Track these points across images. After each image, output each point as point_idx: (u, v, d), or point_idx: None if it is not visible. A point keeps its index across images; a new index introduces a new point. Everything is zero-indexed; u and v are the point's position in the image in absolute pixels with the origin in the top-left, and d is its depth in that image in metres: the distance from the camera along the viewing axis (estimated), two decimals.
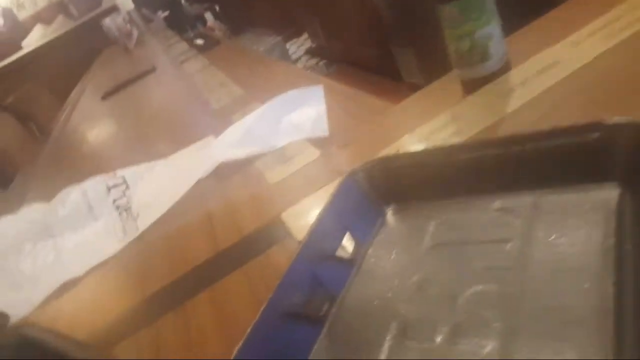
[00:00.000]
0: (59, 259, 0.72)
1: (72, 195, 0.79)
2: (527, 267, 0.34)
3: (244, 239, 0.56)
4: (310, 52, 3.81)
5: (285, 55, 2.62)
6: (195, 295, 0.51)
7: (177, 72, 1.62)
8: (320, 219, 0.42)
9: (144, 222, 0.70)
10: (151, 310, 0.53)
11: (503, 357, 0.30)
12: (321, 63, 3.46)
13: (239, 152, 0.72)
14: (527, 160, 0.38)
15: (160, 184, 0.78)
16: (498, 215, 0.39)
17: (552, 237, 0.35)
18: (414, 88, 0.71)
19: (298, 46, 4.06)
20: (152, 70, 1.78)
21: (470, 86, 0.60)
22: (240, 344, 0.34)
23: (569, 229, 0.34)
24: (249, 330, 0.34)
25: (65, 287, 0.65)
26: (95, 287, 0.63)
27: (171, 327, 0.49)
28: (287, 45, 3.95)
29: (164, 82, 1.63)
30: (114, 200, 0.78)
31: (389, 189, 0.46)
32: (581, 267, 0.32)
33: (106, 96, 1.73)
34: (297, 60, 3.65)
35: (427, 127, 0.58)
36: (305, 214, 0.55)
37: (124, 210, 0.76)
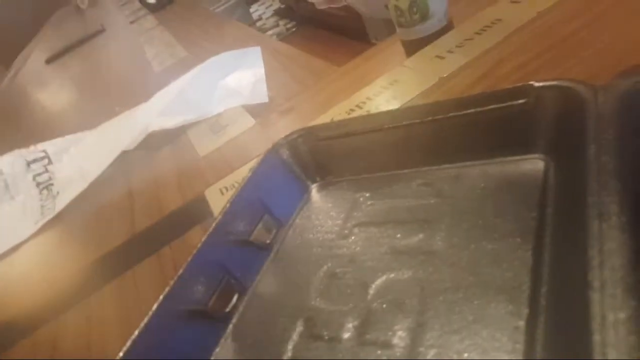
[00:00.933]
0: None
1: None
2: (446, 252, 0.29)
3: (163, 220, 0.50)
4: (278, 14, 3.67)
5: (246, 17, 2.48)
6: (103, 286, 0.45)
7: (126, 32, 1.50)
8: (234, 200, 0.37)
9: (62, 201, 0.63)
10: (52, 306, 0.46)
11: (411, 353, 0.25)
12: (290, 24, 3.33)
13: (169, 121, 0.65)
14: (451, 130, 0.34)
15: (84, 158, 0.71)
16: (419, 190, 0.35)
17: (475, 214, 0.30)
18: None
19: (266, 7, 3.90)
20: (102, 31, 1.65)
21: (411, 48, 0.54)
22: (121, 352, 0.28)
23: (491, 204, 0.30)
24: (135, 333, 0.29)
25: None
26: (2, 275, 0.56)
27: (71, 324, 0.42)
28: (254, 7, 3.79)
29: (112, 44, 1.51)
30: (34, 177, 0.70)
31: (314, 163, 0.41)
32: (502, 244, 0.27)
33: (51, 60, 1.60)
34: (257, 21, 3.51)
35: (363, 93, 0.52)
36: (230, 191, 0.49)
37: (44, 187, 0.69)
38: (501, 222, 0.29)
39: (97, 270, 0.48)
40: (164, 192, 0.55)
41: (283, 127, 0.57)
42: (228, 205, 0.36)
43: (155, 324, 0.29)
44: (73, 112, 1.10)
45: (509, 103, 0.31)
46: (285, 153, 0.41)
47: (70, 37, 1.75)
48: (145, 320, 0.29)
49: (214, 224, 0.35)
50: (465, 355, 0.24)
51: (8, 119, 1.32)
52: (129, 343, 0.28)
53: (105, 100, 1.04)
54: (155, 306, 0.30)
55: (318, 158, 0.41)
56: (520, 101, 0.30)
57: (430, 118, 0.35)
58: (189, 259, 0.32)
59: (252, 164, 0.50)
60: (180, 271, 0.32)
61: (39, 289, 0.50)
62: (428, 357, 0.25)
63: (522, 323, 0.23)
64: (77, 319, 0.43)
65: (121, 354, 0.28)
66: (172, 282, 0.31)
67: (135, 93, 0.96)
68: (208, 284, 0.33)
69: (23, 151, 0.72)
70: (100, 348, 0.38)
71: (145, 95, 0.85)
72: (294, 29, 3.18)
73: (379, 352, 0.26)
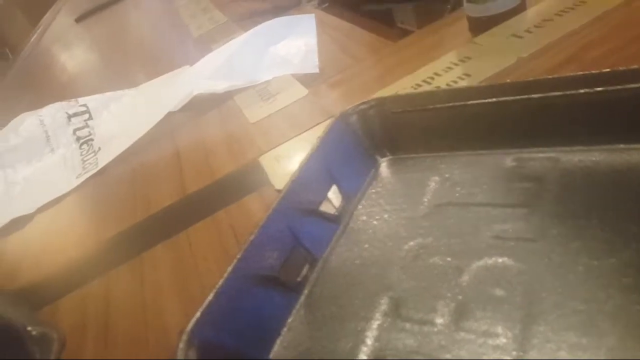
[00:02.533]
0: (8, 193, 0.64)
1: (27, 122, 0.70)
2: (547, 240, 0.27)
3: (215, 183, 0.49)
4: None
5: None
6: (155, 245, 0.44)
7: None
8: (304, 168, 0.35)
9: (105, 156, 0.62)
10: (103, 260, 0.46)
11: (519, 350, 0.23)
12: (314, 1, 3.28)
13: (216, 85, 0.63)
14: (551, 111, 0.32)
15: (126, 116, 0.70)
16: (512, 173, 0.32)
17: (578, 202, 0.28)
18: (406, 34, 0.62)
19: None
20: None
21: (479, 26, 0.52)
22: (199, 312, 0.27)
23: (598, 196, 0.28)
24: (210, 295, 0.28)
25: (15, 224, 0.58)
26: (45, 228, 0.56)
27: (124, 281, 0.42)
28: None
29: (144, 6, 1.49)
30: (75, 130, 0.69)
31: (385, 136, 0.39)
32: (615, 236, 0.25)
33: (81, 19, 1.59)
34: None
35: (429, 69, 0.50)
36: (287, 159, 0.48)
37: (84, 142, 0.68)
38: (612, 213, 0.27)
39: (148, 229, 0.47)
40: (214, 155, 0.54)
41: (337, 99, 0.56)
42: (297, 173, 0.35)
43: (230, 287, 0.29)
44: (103, 72, 1.09)
45: (622, 86, 0.28)
46: (354, 123, 0.39)
47: None
48: (221, 282, 0.28)
49: (283, 191, 0.34)
50: (580, 354, 0.22)
51: (36, 75, 1.31)
52: (205, 304, 0.27)
53: (137, 61, 1.03)
54: (230, 268, 0.29)
55: (390, 131, 0.39)
56: (637, 85, 0.28)
57: (525, 96, 0.32)
58: (261, 223, 0.31)
59: (310, 133, 0.50)
60: (252, 236, 0.31)
61: (85, 243, 0.49)
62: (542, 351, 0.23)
63: None
64: (129, 276, 0.42)
65: (198, 314, 0.27)
66: (244, 246, 0.30)
67: (172, 56, 0.94)
68: (279, 251, 0.32)
69: (64, 104, 0.71)
70: (156, 307, 0.38)
71: (184, 59, 0.84)
72: (325, 5, 3.12)
73: (480, 340, 0.25)
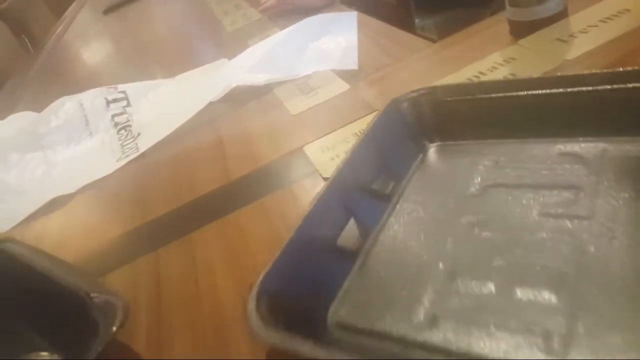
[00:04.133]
0: (49, 173, 0.65)
1: (67, 105, 0.71)
2: (597, 220, 0.29)
3: (260, 170, 0.50)
4: None
5: None
6: (203, 225, 0.45)
7: None
8: (357, 148, 0.38)
9: (146, 142, 0.63)
10: (152, 237, 0.47)
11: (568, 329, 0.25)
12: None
13: (256, 77, 0.64)
14: (599, 103, 0.33)
15: (165, 104, 0.71)
16: (560, 160, 0.34)
17: (625, 190, 0.30)
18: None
19: None
20: None
21: (522, 30, 0.53)
22: (267, 267, 0.30)
23: None
24: (276, 256, 0.30)
25: (55, 203, 0.59)
26: (88, 207, 0.57)
27: (175, 258, 0.43)
28: None
29: (173, 0, 1.51)
30: (113, 116, 0.71)
31: (434, 123, 0.41)
32: None
33: (109, 11, 1.61)
34: None
35: (474, 68, 0.51)
36: (330, 150, 0.49)
37: (122, 127, 0.69)
38: None
39: (195, 210, 0.48)
40: (257, 144, 0.55)
41: (379, 94, 0.57)
42: (350, 153, 0.37)
43: (292, 249, 0.31)
44: (135, 64, 1.10)
45: None
46: (405, 109, 0.41)
47: None
48: (283, 246, 0.31)
49: (338, 167, 0.36)
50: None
51: (64, 66, 1.33)
52: (268, 267, 0.30)
53: (169, 54, 1.04)
54: (292, 234, 0.31)
55: (439, 118, 0.41)
56: None
57: (575, 89, 0.34)
58: (318, 196, 0.34)
59: (352, 127, 0.51)
60: (311, 207, 0.33)
61: (131, 222, 0.50)
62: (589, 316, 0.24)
63: None
64: (179, 254, 0.43)
65: (260, 278, 0.29)
66: (304, 216, 0.33)
67: (206, 50, 0.96)
68: (335, 222, 0.35)
69: (103, 89, 0.73)
70: (208, 283, 0.39)
71: (219, 53, 0.86)
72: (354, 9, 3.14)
73: (534, 309, 0.26)
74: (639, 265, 0.25)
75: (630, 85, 0.32)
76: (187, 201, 0.49)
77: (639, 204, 0.29)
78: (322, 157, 0.48)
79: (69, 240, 0.53)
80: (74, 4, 2.07)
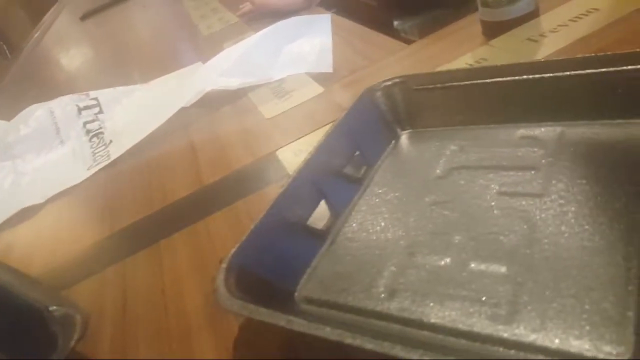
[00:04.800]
0: (18, 183, 0.63)
1: (38, 113, 0.70)
2: (549, 197, 0.30)
3: (233, 175, 0.49)
4: None
5: None
6: (172, 234, 0.44)
7: None
8: (331, 134, 0.39)
9: (117, 149, 0.62)
10: (120, 247, 0.46)
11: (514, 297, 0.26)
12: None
13: (230, 81, 0.64)
14: (559, 89, 0.35)
15: (138, 110, 0.70)
16: (521, 143, 0.36)
17: (578, 170, 0.31)
18: (408, 43, 0.64)
19: None
20: None
21: (493, 30, 0.53)
22: (237, 244, 0.31)
23: (597, 164, 0.31)
24: (246, 234, 0.31)
25: (24, 213, 0.58)
26: (58, 217, 0.56)
27: (142, 267, 0.42)
28: None
29: (151, 5, 1.50)
30: (85, 123, 0.69)
31: (406, 110, 0.42)
32: (607, 205, 0.28)
33: (86, 17, 1.59)
34: None
35: (446, 69, 0.51)
36: (303, 153, 0.47)
37: (94, 134, 0.68)
38: (608, 175, 0.30)
39: (165, 218, 0.47)
40: (231, 148, 0.54)
41: (353, 97, 0.56)
42: (324, 138, 0.38)
43: (261, 229, 0.32)
44: (111, 69, 1.09)
45: (622, 68, 0.31)
46: (379, 97, 0.42)
47: None
48: (254, 224, 0.32)
49: (311, 152, 0.37)
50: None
51: (40, 71, 1.31)
52: (238, 244, 0.31)
53: (145, 58, 1.03)
54: (263, 214, 0.32)
55: (411, 106, 0.42)
56: (636, 66, 0.31)
57: (537, 76, 0.35)
58: (291, 177, 0.35)
59: (326, 129, 0.50)
60: (284, 188, 0.34)
61: (99, 232, 0.49)
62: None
63: (632, 288, 0.23)
64: (147, 263, 0.42)
65: (231, 253, 0.30)
66: (276, 197, 0.34)
67: (181, 54, 0.95)
68: (307, 202, 0.36)
69: (75, 96, 0.71)
70: (175, 291, 0.38)
71: (194, 57, 0.85)
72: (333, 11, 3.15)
73: (486, 280, 0.27)
74: (584, 239, 0.27)
75: (585, 72, 0.33)
76: (157, 208, 0.48)
77: (591, 183, 0.30)
78: (295, 160, 0.47)
79: (37, 251, 0.51)
80: (51, 10, 2.04)
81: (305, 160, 0.37)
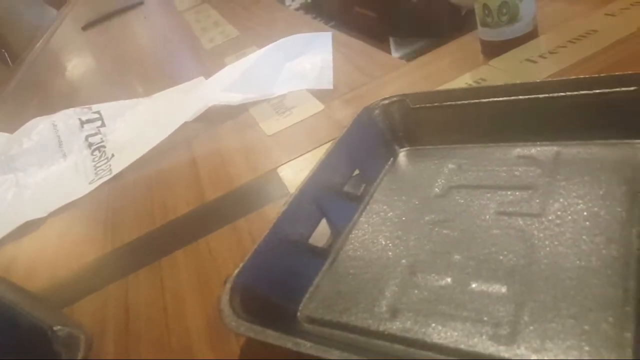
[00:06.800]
0: (20, 196, 0.64)
1: (40, 127, 0.70)
2: (547, 217, 0.31)
3: (234, 192, 0.49)
4: (304, 8, 3.66)
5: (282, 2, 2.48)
6: (174, 251, 0.44)
7: (167, 6, 1.50)
8: (330, 153, 0.40)
9: (119, 164, 0.62)
10: (122, 264, 0.46)
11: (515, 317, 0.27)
12: (317, 20, 3.32)
13: (232, 97, 0.64)
14: (555, 109, 0.36)
15: (140, 124, 0.70)
16: (518, 162, 0.36)
17: (575, 190, 0.32)
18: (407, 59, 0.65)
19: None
20: (140, 2, 1.64)
21: (493, 49, 0.54)
22: (240, 266, 0.31)
23: (593, 183, 0.32)
24: (250, 253, 0.32)
25: (26, 228, 0.58)
26: (59, 232, 0.56)
27: (144, 285, 0.42)
28: None
29: (152, 17, 1.51)
30: (87, 137, 0.70)
31: (404, 129, 0.43)
32: (603, 225, 0.29)
33: (87, 27, 1.60)
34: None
35: (446, 88, 0.52)
36: (304, 171, 0.48)
37: (96, 148, 0.68)
38: (604, 194, 0.30)
39: (166, 235, 0.47)
40: (231, 165, 0.54)
41: (354, 114, 0.57)
42: (325, 156, 0.39)
43: (266, 246, 0.32)
44: (113, 80, 1.09)
45: (617, 89, 0.32)
46: (377, 116, 0.43)
47: (106, 6, 1.74)
48: (257, 243, 0.32)
49: (312, 170, 0.38)
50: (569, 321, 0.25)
51: (43, 81, 1.32)
52: (242, 263, 0.31)
53: (147, 71, 1.04)
54: (266, 233, 0.33)
55: (409, 124, 0.43)
56: (630, 88, 0.32)
57: (532, 96, 0.36)
58: (292, 196, 0.36)
59: (327, 147, 0.51)
60: (285, 206, 0.35)
61: (101, 248, 0.49)
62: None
63: (629, 309, 0.24)
64: (149, 281, 0.42)
65: (235, 273, 0.31)
66: (278, 215, 0.34)
67: (183, 67, 0.95)
68: (308, 221, 0.36)
69: (77, 110, 0.72)
70: (177, 310, 0.38)
71: (196, 71, 0.85)
72: (331, 23, 3.17)
73: (486, 300, 0.28)
74: (582, 259, 0.28)
75: (580, 93, 0.34)
76: (159, 225, 0.49)
77: (587, 203, 0.31)
78: (296, 179, 0.48)
79: (39, 266, 0.51)
80: (53, 19, 2.05)
81: (306, 179, 0.37)
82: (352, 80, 0.64)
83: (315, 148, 0.51)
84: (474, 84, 0.50)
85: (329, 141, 0.51)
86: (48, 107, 0.77)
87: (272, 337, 0.26)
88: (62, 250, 0.53)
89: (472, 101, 0.39)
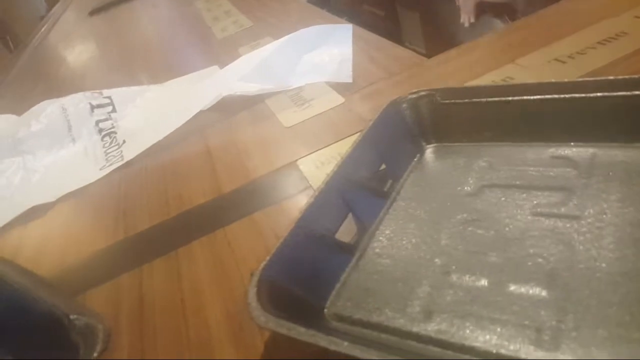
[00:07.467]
0: (28, 180, 0.62)
1: (49, 110, 0.69)
2: (586, 220, 0.30)
3: (252, 184, 0.48)
4: (311, 2, 3.64)
5: None
6: (190, 241, 0.43)
7: None
8: (356, 146, 0.38)
9: (131, 150, 0.61)
10: (136, 253, 0.45)
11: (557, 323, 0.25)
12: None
13: (248, 87, 0.63)
14: (591, 110, 0.34)
15: (153, 111, 0.69)
16: (552, 163, 0.35)
17: (613, 193, 0.31)
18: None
19: None
20: None
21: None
22: (266, 260, 0.29)
23: (632, 187, 0.31)
24: (276, 247, 0.30)
25: (33, 212, 0.57)
26: (69, 217, 0.55)
27: (159, 275, 0.41)
28: None
29: (161, 4, 1.49)
30: (97, 122, 0.68)
31: (432, 124, 0.42)
32: None
33: (94, 12, 1.58)
34: None
35: (473, 84, 0.50)
36: (325, 166, 0.47)
37: (107, 134, 0.67)
38: None
39: (182, 225, 0.46)
40: (249, 156, 0.53)
41: (374, 109, 0.55)
42: (351, 149, 0.38)
43: (292, 240, 0.31)
44: (122, 67, 1.08)
45: None
46: (404, 110, 0.42)
47: None
48: (284, 237, 0.31)
49: (338, 164, 0.36)
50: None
51: (48, 66, 1.30)
52: (269, 256, 0.30)
53: (157, 58, 1.02)
54: (292, 226, 0.32)
55: (437, 120, 0.41)
56: None
57: (568, 95, 0.35)
58: (318, 189, 0.34)
59: (347, 141, 0.50)
60: (312, 199, 0.33)
61: (113, 235, 0.48)
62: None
63: None
64: (164, 271, 0.41)
65: (262, 266, 0.29)
66: (304, 208, 0.33)
67: (195, 56, 0.94)
68: (334, 215, 0.35)
69: (88, 94, 0.70)
70: (195, 302, 0.37)
71: (209, 59, 0.84)
72: (345, 19, 3.15)
73: (526, 303, 0.27)
74: (624, 263, 0.26)
75: (619, 94, 0.33)
76: (174, 214, 0.47)
77: (627, 206, 0.30)
78: (317, 173, 0.46)
79: (47, 252, 0.50)
80: (58, 4, 2.03)
81: (332, 172, 0.36)
82: (370, 74, 0.63)
83: (336, 141, 0.50)
84: (501, 83, 0.49)
85: (351, 135, 0.50)
86: (53, 93, 0.75)
87: (306, 334, 0.25)
88: (71, 236, 0.51)
89: (504, 98, 0.38)
